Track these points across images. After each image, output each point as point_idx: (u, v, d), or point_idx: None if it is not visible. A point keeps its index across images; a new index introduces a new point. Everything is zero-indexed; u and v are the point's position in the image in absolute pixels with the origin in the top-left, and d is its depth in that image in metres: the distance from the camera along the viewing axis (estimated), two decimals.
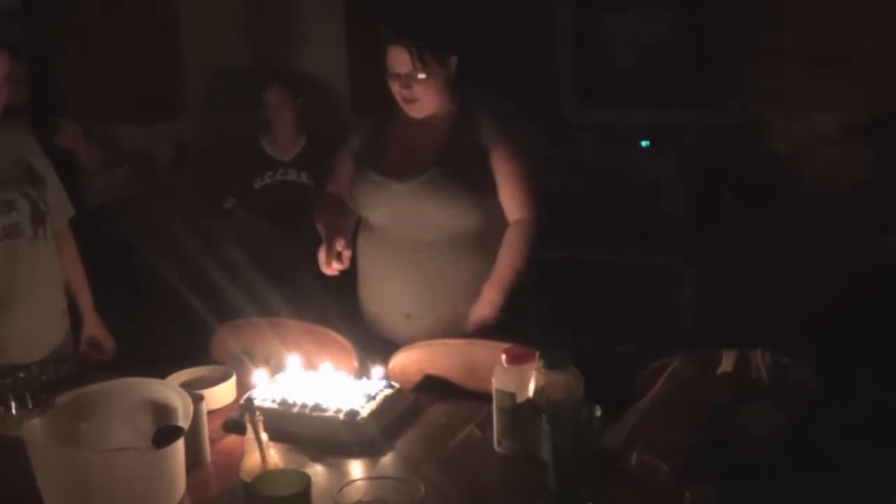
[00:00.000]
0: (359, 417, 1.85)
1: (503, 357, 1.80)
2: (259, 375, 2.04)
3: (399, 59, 2.35)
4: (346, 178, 2.55)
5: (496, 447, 1.81)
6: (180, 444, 1.61)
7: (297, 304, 2.77)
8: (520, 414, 1.75)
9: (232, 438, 1.89)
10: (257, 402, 1.91)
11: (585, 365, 1.76)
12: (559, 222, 2.60)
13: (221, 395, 2.05)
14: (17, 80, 2.51)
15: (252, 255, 3.66)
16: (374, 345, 2.37)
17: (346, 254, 2.36)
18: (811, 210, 3.57)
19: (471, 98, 2.46)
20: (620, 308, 3.51)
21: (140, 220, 3.78)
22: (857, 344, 3.00)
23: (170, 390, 1.73)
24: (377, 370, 2.04)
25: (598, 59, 4.05)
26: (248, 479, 1.60)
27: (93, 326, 2.53)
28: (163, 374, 1.98)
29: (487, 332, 2.31)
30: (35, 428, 1.62)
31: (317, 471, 1.75)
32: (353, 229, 2.54)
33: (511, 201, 2.41)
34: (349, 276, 2.45)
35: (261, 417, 1.67)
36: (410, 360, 2.21)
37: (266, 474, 1.57)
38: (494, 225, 2.42)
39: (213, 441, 1.84)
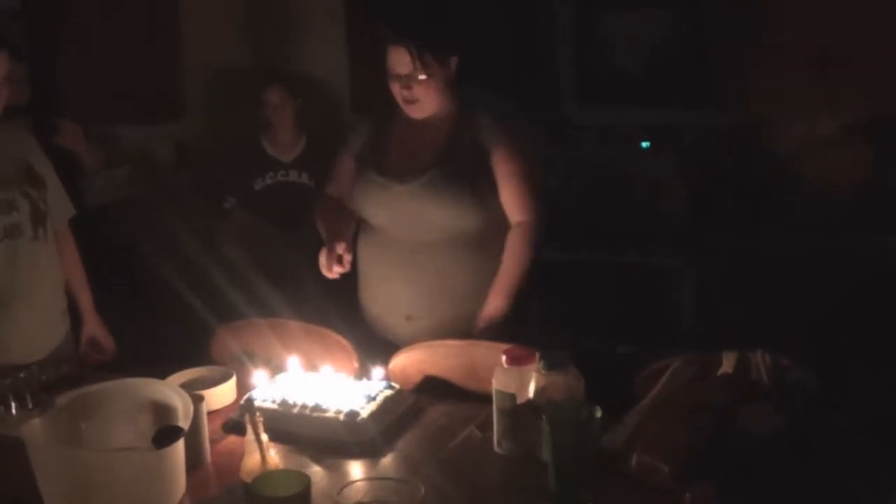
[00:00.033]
0: (359, 418, 1.85)
1: (503, 358, 1.80)
2: (259, 376, 2.04)
3: (399, 60, 2.35)
4: (346, 179, 2.55)
5: (496, 448, 1.81)
6: (180, 445, 1.61)
7: (297, 305, 2.77)
8: (520, 415, 1.76)
9: (232, 439, 1.89)
10: (257, 403, 1.91)
11: (585, 365, 1.76)
12: (559, 222, 2.60)
13: (221, 395, 2.05)
14: (17, 80, 2.50)
15: (252, 256, 3.66)
16: (374, 346, 2.37)
17: (347, 257, 2.36)
18: (811, 210, 3.57)
19: (471, 98, 2.45)
20: (620, 308, 3.51)
21: (140, 220, 3.78)
22: (857, 344, 3.00)
23: (170, 391, 1.74)
24: (377, 371, 2.04)
25: (598, 59, 4.05)
26: (248, 480, 1.60)
27: (93, 326, 2.53)
28: (163, 374, 1.98)
29: (495, 335, 2.32)
30: (35, 428, 1.62)
31: (317, 471, 1.75)
32: (354, 231, 2.54)
33: (512, 202, 2.41)
34: (350, 278, 2.45)
35: (261, 418, 1.68)
36: (410, 361, 2.20)
37: (266, 475, 1.57)
38: (495, 226, 2.41)
39: (213, 441, 1.84)
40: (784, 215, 3.60)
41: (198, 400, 1.77)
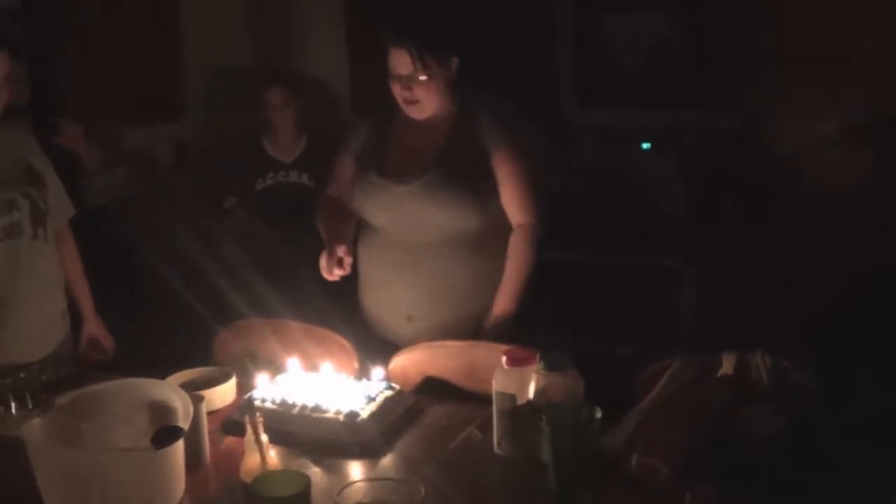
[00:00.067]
0: (359, 419, 1.85)
1: (503, 359, 1.80)
2: (261, 378, 2.04)
3: (400, 61, 2.35)
4: (346, 180, 2.55)
5: (496, 449, 1.81)
6: (180, 445, 1.61)
7: (297, 305, 2.77)
8: (520, 416, 1.76)
9: (232, 439, 1.89)
10: (257, 403, 1.91)
11: (585, 365, 1.76)
12: (559, 223, 2.60)
13: (221, 395, 2.05)
14: (17, 80, 2.50)
15: (252, 256, 3.66)
16: (374, 346, 2.37)
17: (348, 260, 2.36)
18: (811, 210, 3.57)
19: (471, 99, 2.46)
20: (620, 308, 3.51)
21: (140, 220, 3.78)
22: (857, 344, 3.00)
23: (170, 391, 1.74)
24: (377, 371, 2.04)
25: (599, 59, 4.05)
26: (248, 480, 1.60)
27: (93, 326, 2.53)
28: (163, 374, 1.98)
29: (502, 336, 2.32)
30: (35, 428, 1.62)
31: (316, 472, 1.75)
32: (355, 232, 2.54)
33: (513, 203, 2.41)
34: (350, 278, 2.45)
35: (261, 418, 1.68)
36: (411, 362, 2.21)
37: (266, 475, 1.57)
38: (495, 226, 2.42)
39: (212, 442, 1.84)
40: (784, 215, 3.60)
41: (197, 400, 1.77)
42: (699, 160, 3.77)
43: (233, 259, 3.68)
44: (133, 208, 3.93)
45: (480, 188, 2.38)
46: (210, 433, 1.83)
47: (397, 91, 2.40)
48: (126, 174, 4.13)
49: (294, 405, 1.90)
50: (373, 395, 1.93)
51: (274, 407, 1.90)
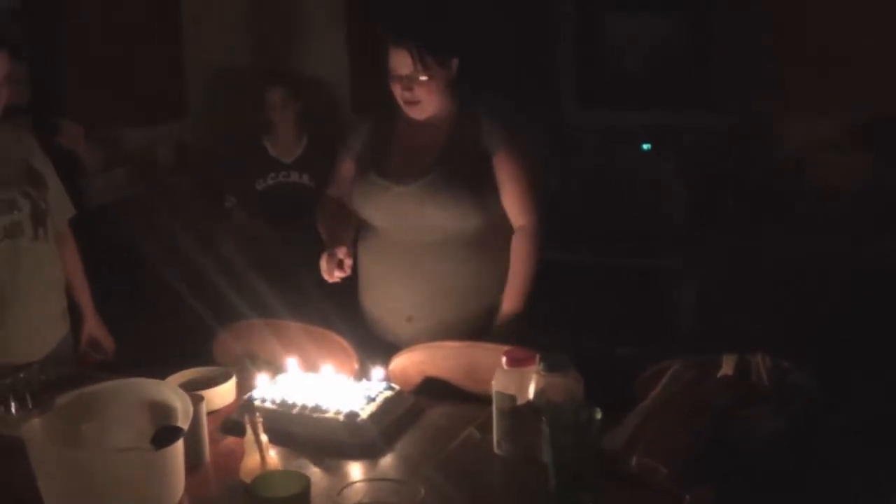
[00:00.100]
0: (359, 419, 1.85)
1: (503, 359, 1.80)
2: (261, 379, 2.04)
3: (400, 61, 2.35)
4: (346, 181, 2.55)
5: (496, 449, 1.81)
6: (180, 445, 1.61)
7: (297, 306, 2.77)
8: (520, 416, 1.76)
9: (231, 439, 1.88)
10: (257, 403, 1.91)
11: (585, 366, 1.76)
12: (560, 223, 2.61)
13: (221, 395, 2.05)
14: (17, 80, 2.50)
15: (252, 257, 3.66)
16: (374, 347, 2.37)
17: (348, 261, 2.37)
18: (811, 210, 3.57)
19: (471, 99, 2.46)
20: (621, 309, 3.51)
21: (140, 220, 3.78)
22: (857, 344, 3.00)
23: (169, 391, 1.73)
24: (377, 372, 2.04)
25: (599, 60, 4.05)
26: (248, 480, 1.60)
27: (93, 326, 2.53)
28: (163, 374, 1.98)
29: (510, 335, 2.33)
30: (35, 428, 1.62)
31: (316, 472, 1.75)
32: (355, 234, 2.54)
33: (514, 203, 2.41)
34: (350, 278, 2.45)
35: (260, 418, 1.68)
36: (411, 362, 2.21)
37: (265, 475, 1.57)
38: (495, 227, 2.42)
39: (212, 442, 1.84)
40: (784, 215, 3.60)
41: (197, 400, 1.77)
42: (699, 160, 3.77)
43: (233, 259, 3.68)
44: (133, 208, 3.93)
45: (481, 189, 2.38)
46: (210, 433, 1.83)
47: (397, 91, 2.40)
48: (126, 174, 4.13)
49: (294, 405, 1.90)
50: (373, 396, 1.93)
51: (274, 407, 1.90)
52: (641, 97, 3.94)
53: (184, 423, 1.62)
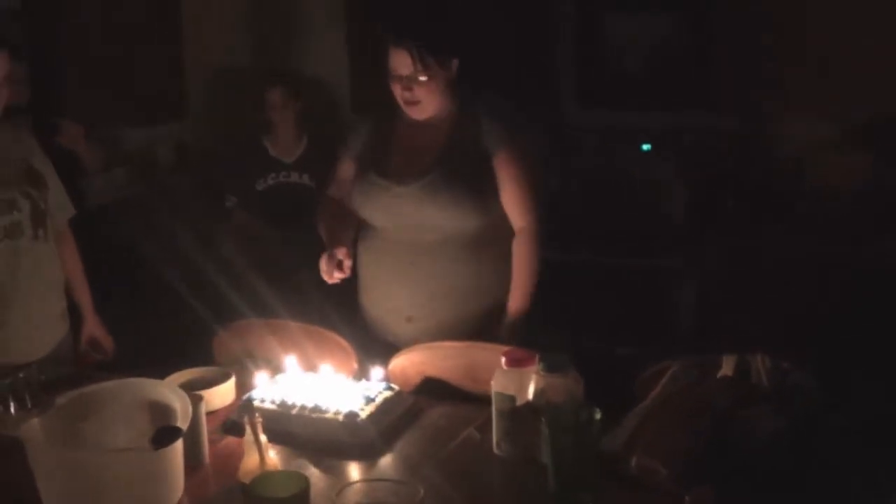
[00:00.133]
0: (358, 419, 1.85)
1: (503, 360, 1.80)
2: (259, 377, 2.04)
3: (400, 61, 2.35)
4: (346, 181, 2.55)
5: (495, 450, 1.81)
6: (179, 445, 1.61)
7: (297, 306, 2.77)
8: (519, 417, 1.75)
9: (231, 439, 1.88)
10: (257, 404, 1.91)
11: (585, 366, 1.76)
12: (559, 223, 2.61)
13: (221, 395, 2.05)
14: (17, 80, 2.50)
15: (252, 257, 3.66)
16: (374, 347, 2.37)
17: (347, 262, 2.36)
18: (811, 211, 3.57)
19: (471, 100, 2.46)
20: (621, 309, 3.51)
21: (140, 220, 3.78)
22: (857, 344, 3.00)
23: (169, 391, 1.73)
24: (377, 372, 2.04)
25: (599, 60, 4.05)
26: (247, 481, 1.60)
27: (92, 326, 2.53)
28: (162, 374, 1.98)
29: (517, 334, 2.34)
30: (34, 428, 1.62)
31: (315, 472, 1.75)
32: (355, 235, 2.54)
33: (514, 204, 2.41)
34: (350, 279, 2.45)
35: (259, 419, 1.68)
36: (410, 363, 2.21)
37: (265, 476, 1.57)
38: (495, 227, 2.42)
39: (211, 442, 1.84)
40: (784, 215, 3.60)
41: (196, 400, 1.77)
42: (699, 160, 3.77)
43: (233, 259, 3.68)
44: (133, 208, 3.93)
45: (480, 189, 2.38)
46: (209, 433, 1.83)
47: (397, 91, 2.40)
48: (126, 174, 4.13)
49: (293, 406, 1.90)
50: (372, 396, 1.93)
51: (273, 407, 1.90)
52: (641, 97, 3.94)
53: (183, 424, 1.62)
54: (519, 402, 1.76)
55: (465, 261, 2.40)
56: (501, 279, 2.43)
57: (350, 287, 2.51)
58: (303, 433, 1.85)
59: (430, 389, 2.15)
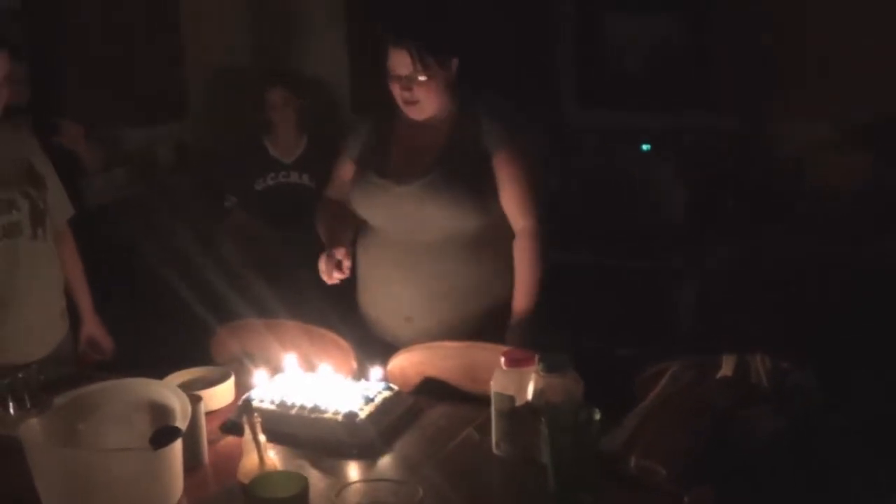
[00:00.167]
0: (357, 419, 1.85)
1: (502, 360, 1.80)
2: (258, 377, 2.04)
3: (400, 61, 2.35)
4: (346, 182, 2.55)
5: (495, 450, 1.81)
6: (178, 445, 1.61)
7: (296, 306, 2.77)
8: (519, 417, 1.75)
9: (230, 440, 1.89)
10: (256, 404, 1.91)
11: (585, 366, 1.76)
12: (559, 224, 2.60)
13: (220, 396, 2.05)
14: (17, 80, 2.51)
15: (252, 257, 3.66)
16: (373, 347, 2.37)
17: (347, 263, 2.37)
18: (811, 211, 3.56)
19: (471, 99, 2.45)
20: (621, 309, 3.51)
21: (140, 220, 3.78)
22: (857, 344, 3.00)
23: (168, 391, 1.73)
24: (376, 372, 2.04)
25: (599, 60, 4.05)
26: (246, 481, 1.60)
27: (92, 326, 2.53)
28: (162, 374, 1.98)
29: (522, 334, 2.34)
30: (33, 428, 1.62)
31: (315, 473, 1.75)
32: (355, 235, 2.54)
33: (514, 204, 2.41)
34: (349, 279, 2.45)
35: (259, 419, 1.67)
36: (409, 363, 2.20)
37: (264, 476, 1.57)
38: (495, 227, 2.41)
39: (211, 442, 1.84)
40: (784, 215, 3.60)
41: (196, 400, 1.77)
42: (699, 160, 3.77)
43: (232, 259, 3.68)
44: (133, 208, 3.93)
45: (480, 189, 2.38)
46: (208, 434, 1.83)
47: (397, 91, 2.40)
48: (126, 174, 4.13)
49: (292, 406, 1.90)
50: (371, 396, 1.93)
51: (272, 407, 1.90)
52: (641, 97, 3.94)
53: (182, 424, 1.62)
54: (518, 403, 1.76)
55: (465, 261, 2.40)
56: (501, 279, 2.43)
57: (349, 287, 2.51)
58: (302, 433, 1.85)
59: (430, 389, 2.15)
